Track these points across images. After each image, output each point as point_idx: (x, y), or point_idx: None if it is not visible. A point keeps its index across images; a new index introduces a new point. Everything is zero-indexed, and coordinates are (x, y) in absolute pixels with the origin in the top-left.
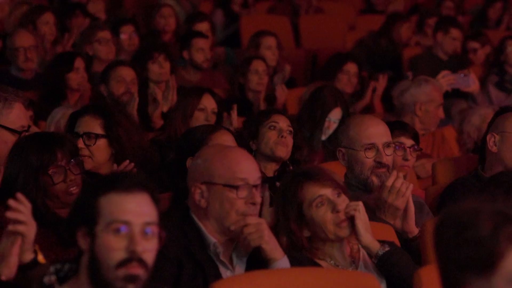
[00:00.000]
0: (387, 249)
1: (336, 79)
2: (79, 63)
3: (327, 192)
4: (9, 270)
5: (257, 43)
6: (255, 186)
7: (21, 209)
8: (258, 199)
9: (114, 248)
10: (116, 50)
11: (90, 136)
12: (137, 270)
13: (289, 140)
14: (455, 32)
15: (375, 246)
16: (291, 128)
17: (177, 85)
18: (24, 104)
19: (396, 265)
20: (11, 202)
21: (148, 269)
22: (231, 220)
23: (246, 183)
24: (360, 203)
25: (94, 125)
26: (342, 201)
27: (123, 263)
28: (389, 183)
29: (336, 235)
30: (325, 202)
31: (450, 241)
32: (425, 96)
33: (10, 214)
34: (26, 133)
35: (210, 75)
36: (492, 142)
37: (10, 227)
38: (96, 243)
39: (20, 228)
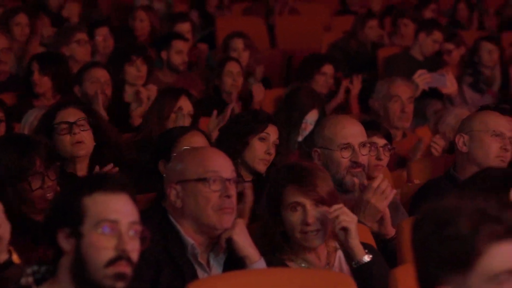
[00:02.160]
0: (370, 259)
1: (314, 80)
2: (34, 66)
3: (306, 201)
4: None
5: (226, 45)
6: (229, 180)
7: None
8: (233, 192)
9: (103, 247)
10: (91, 52)
11: (83, 121)
12: (125, 268)
13: (273, 156)
14: (437, 35)
15: (361, 252)
16: (278, 141)
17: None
18: None
19: (374, 276)
20: None
21: (133, 267)
22: (208, 216)
23: (219, 176)
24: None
25: (80, 114)
26: (318, 213)
27: (112, 262)
28: (375, 184)
29: (301, 244)
30: (300, 209)
31: (429, 238)
32: (382, 94)
33: None
34: None
35: (185, 77)
36: (461, 142)
37: None
38: (82, 243)
39: None
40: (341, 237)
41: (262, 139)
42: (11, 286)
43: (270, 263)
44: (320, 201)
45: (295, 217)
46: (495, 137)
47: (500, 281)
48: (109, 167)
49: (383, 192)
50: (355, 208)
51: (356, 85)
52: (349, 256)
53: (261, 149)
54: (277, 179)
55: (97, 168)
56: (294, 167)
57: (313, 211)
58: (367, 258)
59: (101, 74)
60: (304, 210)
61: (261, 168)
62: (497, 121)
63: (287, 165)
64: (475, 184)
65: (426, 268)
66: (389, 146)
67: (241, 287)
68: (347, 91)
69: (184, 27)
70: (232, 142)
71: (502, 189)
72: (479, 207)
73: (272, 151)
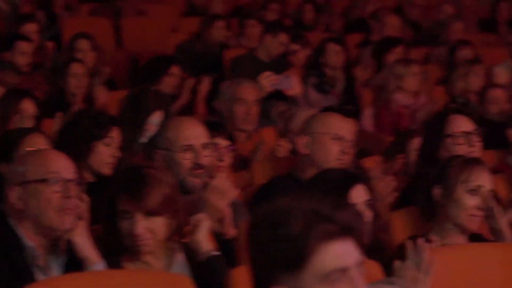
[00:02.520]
0: (217, 253)
1: (161, 81)
2: None
3: (134, 212)
4: None
5: (71, 46)
6: (70, 181)
7: None
8: (74, 193)
9: None
10: None
11: None
12: None
13: (117, 158)
14: (283, 37)
15: (208, 247)
16: (121, 142)
17: None
18: None
19: (218, 273)
20: None
21: None
22: (49, 217)
23: (60, 177)
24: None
25: None
26: (148, 223)
27: None
28: (215, 183)
29: (133, 251)
30: (129, 219)
31: (262, 239)
32: (227, 96)
33: None
34: None
35: (30, 78)
36: (302, 144)
37: None
38: None
39: None
40: (192, 231)
41: (107, 144)
42: None
43: (108, 265)
44: (150, 212)
45: (124, 226)
46: (336, 140)
47: (331, 280)
48: None
49: (222, 191)
50: (194, 208)
51: (205, 86)
52: (194, 253)
53: (107, 153)
54: (112, 184)
55: None
56: (129, 174)
57: (142, 222)
58: (214, 252)
59: None
60: (133, 221)
61: (107, 171)
62: (339, 124)
63: (124, 171)
64: (317, 185)
65: (259, 269)
66: (231, 147)
67: None
68: (194, 91)
69: (30, 28)
70: (74, 145)
71: (342, 190)
72: (312, 207)
73: (117, 153)
